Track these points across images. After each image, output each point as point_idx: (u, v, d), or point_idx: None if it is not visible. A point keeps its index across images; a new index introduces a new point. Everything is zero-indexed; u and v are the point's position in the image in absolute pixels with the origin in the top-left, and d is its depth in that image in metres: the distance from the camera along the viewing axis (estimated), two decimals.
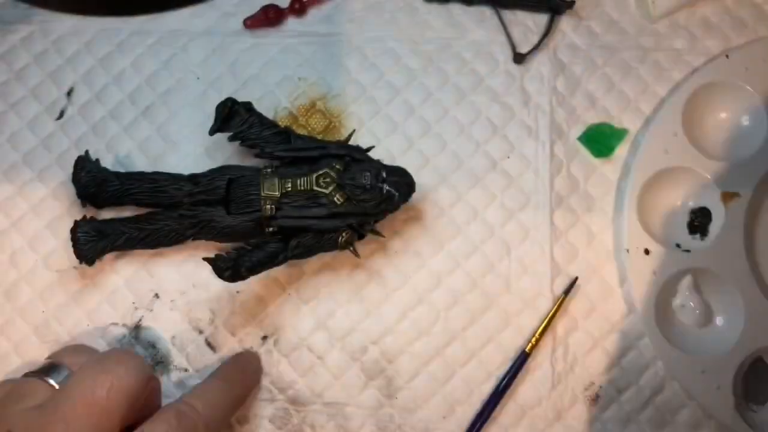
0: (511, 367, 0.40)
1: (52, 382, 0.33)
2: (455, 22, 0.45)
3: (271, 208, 0.37)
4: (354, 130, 0.42)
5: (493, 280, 0.41)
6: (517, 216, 0.42)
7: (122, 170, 0.41)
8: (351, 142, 0.42)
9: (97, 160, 0.41)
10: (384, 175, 0.38)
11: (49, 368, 0.34)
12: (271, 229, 0.38)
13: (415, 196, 0.39)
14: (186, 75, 0.44)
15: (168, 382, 0.40)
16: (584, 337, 0.41)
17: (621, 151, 0.43)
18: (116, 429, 0.30)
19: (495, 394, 0.39)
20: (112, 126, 0.43)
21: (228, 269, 0.36)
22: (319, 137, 0.43)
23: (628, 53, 0.44)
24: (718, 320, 0.41)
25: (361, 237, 0.39)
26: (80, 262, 0.39)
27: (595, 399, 0.40)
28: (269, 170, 0.39)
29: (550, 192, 0.42)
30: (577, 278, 0.41)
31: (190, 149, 0.43)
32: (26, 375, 0.34)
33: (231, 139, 0.40)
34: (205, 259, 0.37)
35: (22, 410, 0.31)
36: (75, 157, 0.40)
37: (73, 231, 0.38)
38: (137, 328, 0.40)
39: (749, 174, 0.41)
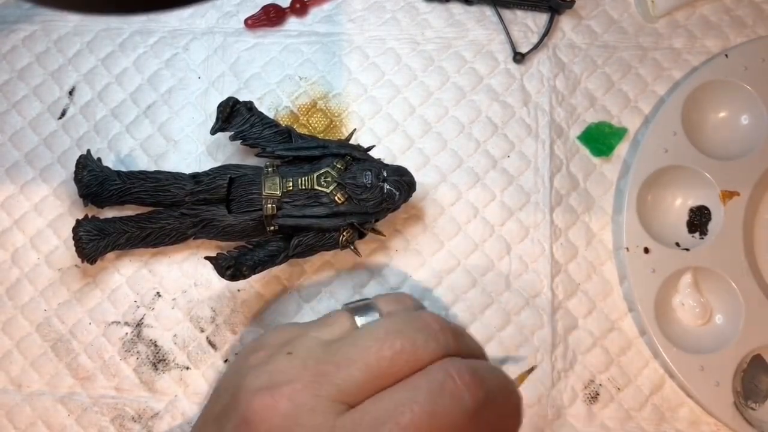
0: None
1: (358, 321, 0.32)
2: (455, 21, 0.45)
3: (273, 207, 0.37)
4: (355, 129, 0.43)
5: (493, 278, 0.41)
6: (517, 215, 0.42)
7: (124, 169, 0.41)
8: (352, 141, 0.42)
9: (99, 159, 0.41)
10: (385, 174, 0.38)
11: (363, 308, 0.33)
12: (272, 228, 0.38)
13: (415, 194, 0.39)
14: (187, 74, 0.44)
15: (169, 381, 0.40)
16: (584, 335, 0.41)
17: (620, 150, 0.43)
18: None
19: None
20: (114, 125, 0.43)
21: (229, 268, 0.36)
22: (320, 136, 0.43)
23: (628, 52, 0.45)
24: (718, 318, 0.41)
25: (362, 236, 0.39)
26: (82, 261, 0.39)
27: (595, 397, 0.40)
28: (270, 169, 0.39)
29: (550, 191, 0.43)
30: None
31: (192, 148, 0.43)
32: (345, 305, 0.34)
33: (232, 138, 0.40)
34: (206, 257, 0.37)
35: (314, 339, 0.31)
36: (77, 156, 0.40)
37: (75, 230, 0.38)
38: (139, 326, 0.41)
39: (748, 173, 0.41)
